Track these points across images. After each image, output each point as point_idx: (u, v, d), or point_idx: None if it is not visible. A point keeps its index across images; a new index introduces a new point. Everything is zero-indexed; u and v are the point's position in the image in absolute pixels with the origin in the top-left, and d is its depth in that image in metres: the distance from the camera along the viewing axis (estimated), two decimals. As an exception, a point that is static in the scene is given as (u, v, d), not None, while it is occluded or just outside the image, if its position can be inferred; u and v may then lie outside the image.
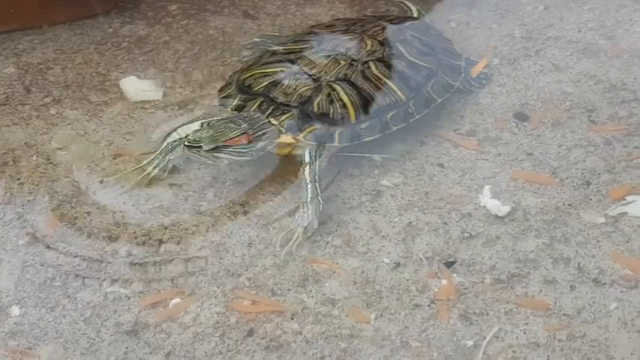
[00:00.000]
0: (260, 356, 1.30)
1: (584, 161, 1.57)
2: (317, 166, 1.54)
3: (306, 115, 1.55)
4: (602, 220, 1.47)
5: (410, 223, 1.48)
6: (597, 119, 1.66)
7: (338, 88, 1.57)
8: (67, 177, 1.61)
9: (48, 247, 1.48)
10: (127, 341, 1.34)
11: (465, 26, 1.91)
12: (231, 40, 1.92)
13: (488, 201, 1.50)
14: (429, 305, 1.36)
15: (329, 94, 1.57)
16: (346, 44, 1.66)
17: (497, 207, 1.48)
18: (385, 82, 1.60)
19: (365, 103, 1.58)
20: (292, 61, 1.64)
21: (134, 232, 1.50)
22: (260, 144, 1.53)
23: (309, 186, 1.51)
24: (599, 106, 1.68)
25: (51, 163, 1.65)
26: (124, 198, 1.56)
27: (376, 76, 1.60)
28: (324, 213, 1.48)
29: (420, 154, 1.61)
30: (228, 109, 1.60)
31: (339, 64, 1.61)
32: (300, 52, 1.67)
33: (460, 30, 1.88)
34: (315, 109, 1.56)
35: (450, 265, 1.40)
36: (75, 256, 1.46)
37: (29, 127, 1.73)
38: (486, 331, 1.32)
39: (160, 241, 1.48)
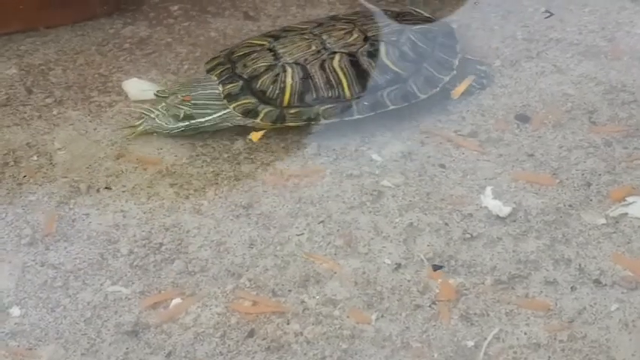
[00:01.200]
0: (261, 357, 1.30)
1: (584, 162, 1.57)
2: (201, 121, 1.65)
3: (248, 88, 1.64)
4: (603, 221, 1.46)
5: (411, 223, 1.48)
6: (598, 120, 1.65)
7: (289, 70, 1.64)
8: (67, 177, 1.61)
9: (48, 247, 1.48)
10: (128, 342, 1.33)
11: (466, 28, 1.90)
12: (232, 42, 1.91)
13: (490, 202, 1.49)
14: (429, 306, 1.35)
15: (277, 75, 1.64)
16: (334, 33, 1.70)
17: (499, 208, 1.48)
18: (338, 76, 1.64)
19: (306, 90, 1.63)
20: (277, 38, 1.72)
21: (134, 233, 1.49)
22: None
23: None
24: (599, 108, 1.68)
25: (52, 163, 1.64)
26: (126, 196, 1.56)
27: (333, 68, 1.64)
28: (321, 213, 1.49)
29: (421, 154, 1.61)
30: (205, 70, 1.73)
31: (310, 48, 1.67)
32: (292, 31, 1.74)
33: (462, 31, 1.87)
34: (258, 85, 1.64)
35: (437, 268, 1.40)
36: (75, 257, 1.46)
37: (30, 128, 1.73)
38: (487, 332, 1.31)
39: (161, 242, 1.48)
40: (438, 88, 1.68)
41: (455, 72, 1.71)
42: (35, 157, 1.65)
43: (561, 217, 1.47)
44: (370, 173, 1.58)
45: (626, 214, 1.47)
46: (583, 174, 1.55)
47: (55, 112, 1.76)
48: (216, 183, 1.58)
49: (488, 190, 1.52)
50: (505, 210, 1.48)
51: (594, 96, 1.71)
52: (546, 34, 1.87)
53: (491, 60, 1.80)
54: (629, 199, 1.49)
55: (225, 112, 1.65)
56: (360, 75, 1.64)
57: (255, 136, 1.65)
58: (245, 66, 1.67)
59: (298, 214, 1.51)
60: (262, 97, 1.63)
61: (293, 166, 1.60)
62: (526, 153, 1.60)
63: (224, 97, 1.65)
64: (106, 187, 1.58)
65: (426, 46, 1.71)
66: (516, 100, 1.71)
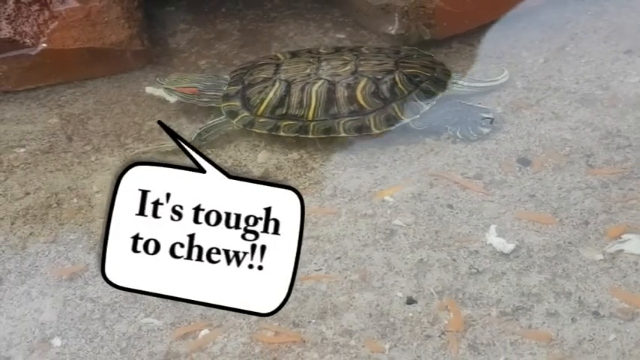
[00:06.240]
0: (283, 383, 1.32)
1: (583, 202, 1.59)
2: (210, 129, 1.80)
3: (241, 94, 1.78)
4: (601, 256, 1.48)
5: (421, 259, 1.51)
6: (595, 163, 1.68)
7: (276, 86, 1.75)
8: (105, 217, 1.65)
9: (87, 282, 1.52)
10: (160, 369, 1.36)
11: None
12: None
13: (494, 239, 1.52)
14: (439, 336, 1.38)
15: (265, 87, 1.75)
16: (333, 62, 1.79)
17: (503, 245, 1.51)
18: (310, 99, 1.74)
19: (279, 105, 1.75)
20: (293, 56, 1.85)
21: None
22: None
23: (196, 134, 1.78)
24: (596, 152, 1.70)
25: (90, 205, 1.69)
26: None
27: (310, 91, 1.74)
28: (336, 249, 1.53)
29: (430, 195, 1.64)
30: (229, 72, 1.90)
31: (305, 71, 1.78)
32: (309, 52, 1.86)
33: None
34: (249, 92, 1.77)
35: (411, 302, 1.43)
36: (112, 291, 1.50)
37: (71, 173, 1.78)
38: (493, 361, 1.33)
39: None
40: (393, 127, 1.74)
41: (418, 116, 1.75)
42: (75, 200, 1.71)
43: (561, 253, 1.50)
44: (383, 213, 1.61)
45: (622, 250, 1.49)
46: (581, 213, 1.57)
47: (93, 159, 1.82)
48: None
49: (493, 228, 1.54)
50: (509, 247, 1.50)
51: (591, 141, 1.73)
52: (545, 83, 1.90)
53: (494, 107, 1.84)
54: (625, 237, 1.51)
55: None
56: (330, 102, 1.74)
57: None
58: (251, 74, 1.80)
59: (316, 251, 1.54)
60: (246, 104, 1.77)
61: (311, 206, 1.63)
62: (528, 194, 1.63)
63: (222, 96, 1.80)
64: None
65: (404, 88, 1.76)
66: (518, 144, 1.75)
